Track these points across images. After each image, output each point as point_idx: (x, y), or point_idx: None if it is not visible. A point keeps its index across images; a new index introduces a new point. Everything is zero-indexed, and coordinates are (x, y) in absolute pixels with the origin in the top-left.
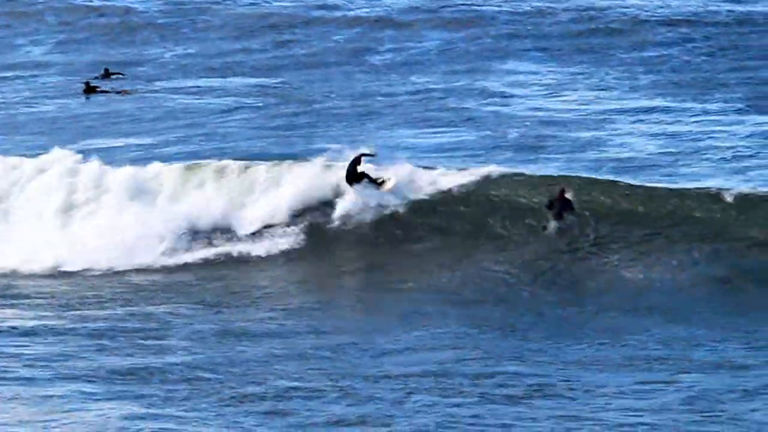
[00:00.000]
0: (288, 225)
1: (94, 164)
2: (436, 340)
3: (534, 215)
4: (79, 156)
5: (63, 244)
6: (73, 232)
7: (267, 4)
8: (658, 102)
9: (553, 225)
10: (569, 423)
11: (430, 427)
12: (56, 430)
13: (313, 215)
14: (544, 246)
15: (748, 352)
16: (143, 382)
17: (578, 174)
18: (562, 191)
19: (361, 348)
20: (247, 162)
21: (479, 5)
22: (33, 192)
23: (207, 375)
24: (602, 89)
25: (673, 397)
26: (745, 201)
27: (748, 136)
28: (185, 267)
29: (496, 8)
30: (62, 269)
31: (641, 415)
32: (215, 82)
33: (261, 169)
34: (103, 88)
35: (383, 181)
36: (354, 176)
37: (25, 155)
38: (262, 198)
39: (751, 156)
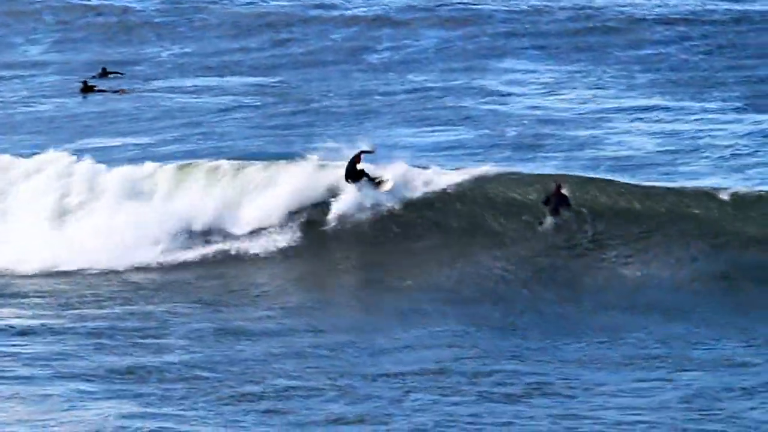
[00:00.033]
0: (286, 223)
1: (89, 164)
2: (435, 338)
3: (531, 213)
4: (74, 157)
5: (61, 243)
6: (71, 231)
7: (264, 3)
8: (656, 101)
9: (549, 221)
10: (568, 421)
11: (428, 425)
12: (55, 429)
13: (311, 213)
14: (542, 244)
15: (746, 351)
16: (142, 381)
17: (575, 173)
18: (559, 187)
19: (359, 347)
20: (244, 161)
21: (476, 4)
22: (29, 191)
23: (205, 374)
24: (600, 88)
25: (672, 396)
26: (742, 199)
27: (746, 135)
28: (183, 266)
29: (493, 7)
30: (61, 268)
31: (640, 414)
32: (212, 81)
33: (258, 168)
34: (100, 88)
35: (381, 181)
36: (353, 174)
37: (21, 155)
38: (259, 197)
39: (749, 154)
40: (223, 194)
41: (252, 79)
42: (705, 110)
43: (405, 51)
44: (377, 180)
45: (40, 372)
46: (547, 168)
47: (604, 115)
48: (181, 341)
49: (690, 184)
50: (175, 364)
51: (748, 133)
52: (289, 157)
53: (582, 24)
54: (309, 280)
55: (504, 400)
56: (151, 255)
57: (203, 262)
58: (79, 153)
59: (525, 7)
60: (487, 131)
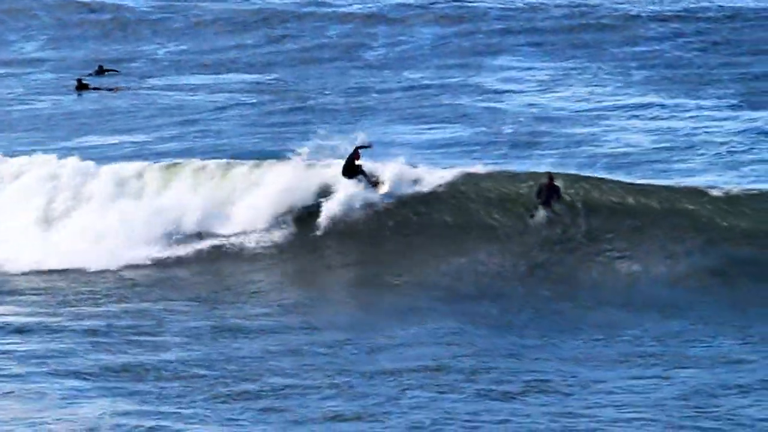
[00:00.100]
0: (282, 221)
1: (80, 163)
2: (432, 335)
3: (526, 209)
4: (63, 159)
5: (55, 241)
6: (67, 230)
7: (259, 0)
8: (651, 98)
9: (541, 213)
10: (565, 419)
11: (425, 423)
12: (51, 427)
13: (307, 210)
14: (538, 240)
15: (742, 348)
16: (138, 378)
17: (569, 171)
18: (551, 178)
19: (356, 344)
20: (238, 160)
21: (471, 1)
22: (20, 190)
23: (202, 371)
24: (595, 85)
25: (668, 393)
26: (737, 195)
27: (741, 132)
28: (179, 263)
29: (488, 4)
30: (54, 267)
31: (636, 411)
32: (209, 78)
33: (251, 165)
34: (94, 86)
35: (377, 183)
36: (351, 169)
37: (17, 152)
38: (253, 194)
39: (744, 151)
40: (217, 192)
41: (248, 76)
42: (700, 107)
43: (400, 48)
44: (374, 181)
45: (36, 369)
46: (543, 166)
47: (600, 112)
48: (177, 339)
49: (685, 181)
50: (171, 361)
51: (743, 130)
52: (284, 154)
53: (577, 21)
54: (305, 277)
55: (501, 398)
56: (147, 252)
57: (199, 259)
58: (75, 151)
59: (520, 5)
60: (483, 129)
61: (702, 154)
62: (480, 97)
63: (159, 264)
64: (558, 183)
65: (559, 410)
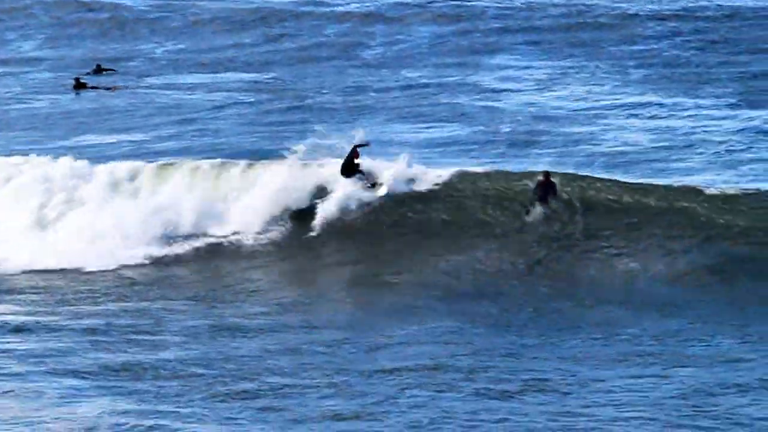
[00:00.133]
0: (280, 219)
1: (76, 162)
2: (430, 334)
3: (524, 206)
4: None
5: (53, 240)
6: (65, 229)
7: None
8: (649, 97)
9: (537, 209)
10: (563, 418)
11: (423, 422)
12: (49, 426)
13: (305, 209)
14: (536, 238)
15: (740, 347)
16: (136, 377)
17: (567, 170)
18: (547, 175)
19: (354, 343)
20: (238, 159)
21: (468, 0)
22: (17, 189)
23: (201, 371)
24: (593, 84)
25: (667, 392)
26: (734, 194)
27: (739, 131)
28: (178, 262)
29: (486, 3)
30: (55, 266)
31: (635, 410)
32: (206, 77)
33: (249, 165)
34: (91, 85)
35: (375, 184)
36: (349, 168)
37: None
38: (251, 193)
39: (742, 150)
40: (215, 191)
41: (246, 75)
42: (698, 106)
43: (398, 47)
44: (373, 182)
45: (34, 368)
46: (541, 164)
47: (598, 111)
48: (176, 338)
49: (683, 179)
50: (170, 360)
51: (742, 129)
52: (281, 153)
53: (574, 20)
54: (303, 276)
55: (499, 397)
56: (145, 252)
57: (197, 258)
58: (74, 150)
59: (518, 3)
60: (481, 128)
61: (700, 153)
62: (478, 96)
63: (157, 263)
64: (554, 180)
65: (557, 409)
